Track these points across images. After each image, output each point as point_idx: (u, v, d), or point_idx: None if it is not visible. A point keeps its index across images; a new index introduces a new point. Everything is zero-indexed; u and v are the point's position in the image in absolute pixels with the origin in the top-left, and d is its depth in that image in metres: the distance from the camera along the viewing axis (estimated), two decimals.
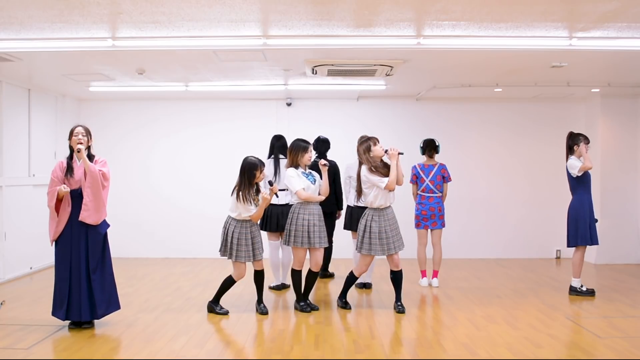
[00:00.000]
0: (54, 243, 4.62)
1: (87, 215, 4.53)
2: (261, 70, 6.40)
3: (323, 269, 6.76)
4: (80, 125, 4.71)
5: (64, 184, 4.55)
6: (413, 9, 4.18)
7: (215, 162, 8.41)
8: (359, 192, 5.29)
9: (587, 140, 5.97)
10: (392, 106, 8.46)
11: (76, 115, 8.33)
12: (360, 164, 5.26)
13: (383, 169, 5.18)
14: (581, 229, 5.85)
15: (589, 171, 5.90)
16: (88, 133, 4.69)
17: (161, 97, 8.32)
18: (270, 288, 6.19)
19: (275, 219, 6.02)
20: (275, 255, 6.18)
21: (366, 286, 6.25)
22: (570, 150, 6.00)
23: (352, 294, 5.89)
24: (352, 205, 6.16)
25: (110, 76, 6.69)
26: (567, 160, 6.04)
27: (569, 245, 5.99)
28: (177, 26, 4.59)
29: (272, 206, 5.96)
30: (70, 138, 4.66)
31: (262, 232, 5.46)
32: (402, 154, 5.18)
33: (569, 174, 5.97)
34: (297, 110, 8.50)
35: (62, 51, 5.23)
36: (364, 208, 5.42)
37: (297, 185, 5.17)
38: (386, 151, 5.20)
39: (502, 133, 8.52)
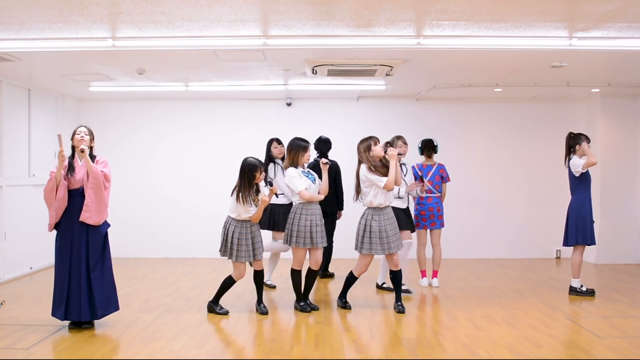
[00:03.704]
0: (55, 236, 4.61)
1: (89, 217, 4.53)
2: (261, 70, 6.40)
3: (323, 269, 6.77)
4: (84, 126, 4.71)
5: (65, 182, 4.55)
6: (413, 9, 4.19)
7: (215, 162, 8.41)
8: (358, 191, 5.29)
9: (588, 139, 5.98)
10: (392, 106, 8.46)
11: (76, 115, 8.33)
12: (360, 162, 5.27)
13: (382, 168, 5.18)
14: (582, 228, 5.86)
15: (589, 171, 5.91)
16: (91, 134, 4.70)
17: (161, 97, 8.32)
18: (266, 285, 6.18)
19: (273, 218, 6.01)
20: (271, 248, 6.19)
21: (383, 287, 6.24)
22: (571, 151, 6.00)
23: (352, 294, 5.89)
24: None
25: (110, 76, 6.70)
26: (566, 160, 6.05)
27: (567, 244, 5.99)
28: (177, 26, 4.59)
29: (272, 205, 5.96)
30: (72, 138, 4.67)
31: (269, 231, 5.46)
32: (401, 154, 5.19)
33: (570, 174, 5.98)
34: (297, 110, 8.50)
35: (62, 51, 5.23)
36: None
37: (300, 186, 5.16)
38: (385, 151, 5.20)
39: (502, 133, 8.52)
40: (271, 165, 6.18)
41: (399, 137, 6.01)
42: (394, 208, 5.80)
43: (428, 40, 4.94)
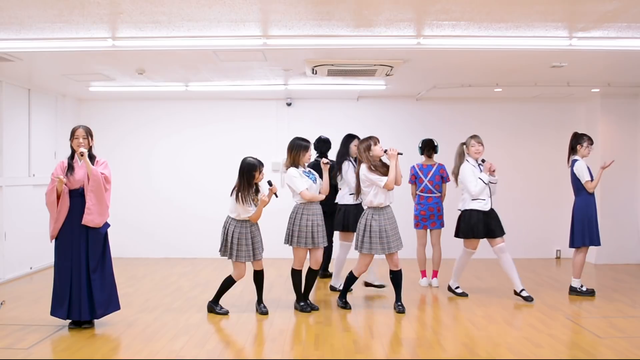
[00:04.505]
0: (53, 240, 4.62)
1: (91, 220, 4.53)
2: (261, 70, 6.40)
3: (323, 268, 6.76)
4: (82, 127, 4.69)
5: (67, 194, 4.54)
6: (413, 9, 4.19)
7: (215, 162, 8.41)
8: (358, 191, 5.29)
9: (590, 141, 5.97)
10: (392, 106, 8.46)
11: (76, 115, 8.33)
12: (360, 162, 5.27)
13: (382, 168, 5.19)
14: (589, 229, 5.84)
15: (591, 171, 5.90)
16: (89, 134, 4.68)
17: (161, 97, 8.32)
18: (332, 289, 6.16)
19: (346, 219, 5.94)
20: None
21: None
22: (572, 150, 5.99)
23: (352, 294, 5.89)
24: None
25: (110, 76, 6.70)
26: (569, 160, 6.04)
27: (572, 246, 5.95)
28: (177, 26, 4.59)
29: (345, 206, 5.94)
30: (71, 138, 4.66)
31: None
32: (401, 154, 5.19)
33: (574, 175, 5.96)
34: (297, 110, 8.50)
35: (62, 51, 5.23)
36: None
37: (301, 186, 5.17)
38: (385, 151, 5.20)
39: (502, 133, 8.51)
40: (346, 162, 6.06)
41: (473, 137, 5.88)
42: (474, 211, 5.73)
43: (428, 40, 4.94)
